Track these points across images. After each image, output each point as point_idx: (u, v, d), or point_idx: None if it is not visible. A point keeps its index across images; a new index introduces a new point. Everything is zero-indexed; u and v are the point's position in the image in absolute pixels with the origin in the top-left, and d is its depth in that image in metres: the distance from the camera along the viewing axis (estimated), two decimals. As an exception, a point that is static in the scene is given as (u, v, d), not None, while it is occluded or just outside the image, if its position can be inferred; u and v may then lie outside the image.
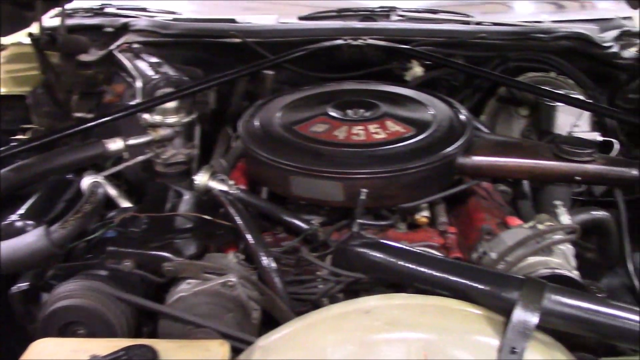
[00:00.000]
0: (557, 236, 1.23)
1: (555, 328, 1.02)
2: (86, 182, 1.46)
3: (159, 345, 1.04)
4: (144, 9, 2.33)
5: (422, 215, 1.54)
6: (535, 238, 1.22)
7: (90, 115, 1.97)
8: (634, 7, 2.23)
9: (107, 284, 1.17)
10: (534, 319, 0.96)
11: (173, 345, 1.06)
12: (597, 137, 1.86)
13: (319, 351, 0.98)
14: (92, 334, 1.16)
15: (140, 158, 1.77)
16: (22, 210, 1.43)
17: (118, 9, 2.33)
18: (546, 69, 2.12)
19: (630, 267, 1.48)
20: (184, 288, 1.23)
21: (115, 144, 1.67)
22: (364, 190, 1.39)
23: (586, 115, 1.89)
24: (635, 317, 0.98)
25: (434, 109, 1.68)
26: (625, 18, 2.52)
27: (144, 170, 1.84)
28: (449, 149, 1.48)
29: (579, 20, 2.50)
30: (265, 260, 1.33)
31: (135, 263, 1.25)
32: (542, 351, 0.99)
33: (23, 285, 1.25)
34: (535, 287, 1.00)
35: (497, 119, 2.15)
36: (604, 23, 2.45)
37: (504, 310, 0.99)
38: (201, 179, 1.50)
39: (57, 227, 1.25)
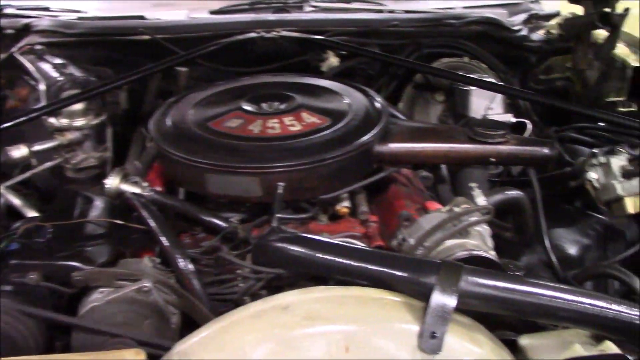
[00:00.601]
0: (473, 218, 1.23)
1: (474, 309, 1.02)
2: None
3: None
4: (46, 9, 2.22)
5: (343, 206, 1.52)
6: (451, 221, 1.22)
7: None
8: None
9: (10, 299, 1.10)
10: (452, 302, 0.96)
11: (85, 359, 1.01)
12: (510, 118, 1.90)
13: (237, 352, 0.94)
14: (-5, 354, 1.09)
15: (49, 164, 1.69)
16: None
17: (18, 9, 2.21)
18: (459, 54, 2.15)
19: (547, 243, 1.51)
20: (97, 297, 1.17)
21: (18, 151, 1.59)
22: (281, 184, 1.37)
23: (499, 97, 1.92)
24: (550, 293, 1.00)
25: (350, 98, 1.67)
26: (532, 1, 2.59)
27: (55, 176, 1.75)
28: (365, 138, 1.47)
29: (489, 6, 2.54)
30: (182, 263, 1.28)
31: (42, 275, 1.18)
32: (462, 333, 0.99)
33: None
34: (452, 270, 1.00)
35: (414, 105, 2.17)
36: (512, 7, 2.51)
37: (423, 295, 0.98)
38: (112, 182, 1.44)
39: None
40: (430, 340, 0.95)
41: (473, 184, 1.38)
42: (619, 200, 1.46)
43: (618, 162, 1.48)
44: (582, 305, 0.99)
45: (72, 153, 1.72)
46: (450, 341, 0.96)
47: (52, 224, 1.28)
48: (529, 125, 1.90)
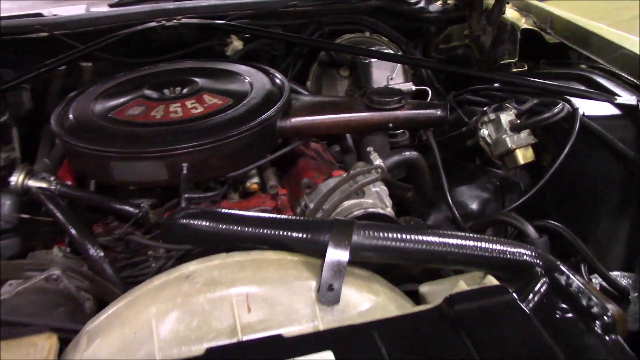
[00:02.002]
0: (367, 178, 1.30)
1: (369, 261, 1.08)
2: None
3: (-21, 351, 0.99)
4: None
5: (252, 182, 1.57)
6: (346, 182, 1.28)
7: None
8: None
9: None
10: (345, 255, 1.02)
11: (-5, 348, 1.02)
12: (411, 87, 1.98)
13: (144, 324, 0.97)
14: None
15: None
16: None
17: None
18: (360, 30, 2.21)
19: (448, 199, 1.60)
20: (6, 290, 1.18)
21: None
22: (185, 164, 1.40)
23: (399, 68, 2.00)
24: (437, 239, 1.07)
25: (251, 78, 1.71)
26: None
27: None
28: (266, 114, 1.51)
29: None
30: (91, 250, 1.30)
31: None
32: (359, 285, 1.06)
33: None
34: (344, 227, 1.06)
35: (321, 83, 2.23)
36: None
37: (319, 253, 1.04)
38: (17, 178, 1.43)
39: None
40: (328, 293, 1.00)
41: (370, 148, 1.45)
42: (510, 152, 1.56)
43: (507, 117, 1.57)
44: (467, 247, 1.06)
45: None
46: (347, 292, 1.02)
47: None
48: (429, 92, 1.98)
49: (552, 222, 1.35)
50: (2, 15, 2.13)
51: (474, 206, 1.70)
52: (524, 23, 2.07)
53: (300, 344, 0.89)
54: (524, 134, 1.56)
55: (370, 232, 1.06)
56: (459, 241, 1.07)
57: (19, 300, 1.17)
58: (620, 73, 1.70)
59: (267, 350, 0.87)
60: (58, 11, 2.10)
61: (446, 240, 1.07)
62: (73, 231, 1.32)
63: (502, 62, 2.06)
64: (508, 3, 2.11)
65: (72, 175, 1.64)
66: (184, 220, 1.21)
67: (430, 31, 2.37)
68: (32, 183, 1.44)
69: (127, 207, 1.46)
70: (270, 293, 1.01)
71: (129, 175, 1.45)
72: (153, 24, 1.99)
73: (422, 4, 2.38)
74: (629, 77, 1.66)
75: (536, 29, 2.04)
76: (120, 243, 1.41)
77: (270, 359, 0.85)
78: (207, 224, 1.17)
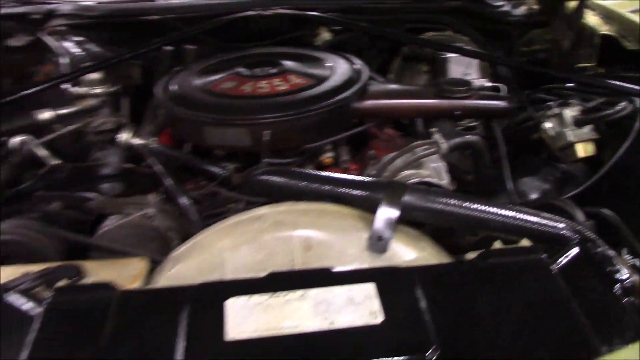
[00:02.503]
0: (424, 151, 1.43)
1: (418, 220, 1.22)
2: (14, 141, 1.60)
3: (84, 265, 1.20)
4: (68, -2, 2.45)
5: (326, 157, 1.73)
6: (405, 154, 1.42)
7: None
8: None
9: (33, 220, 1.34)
10: (396, 212, 1.16)
11: (97, 265, 1.23)
12: (485, 83, 2.08)
13: (219, 253, 1.16)
14: (25, 267, 1.32)
15: (71, 127, 1.92)
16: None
17: (41, -3, 2.45)
18: (442, 29, 2.33)
19: (509, 185, 1.70)
20: (109, 223, 1.40)
21: (45, 114, 1.81)
22: (267, 132, 1.58)
23: (476, 65, 2.11)
24: (481, 207, 1.19)
25: (333, 63, 1.87)
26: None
27: (75, 140, 1.98)
28: (342, 95, 1.67)
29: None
30: (182, 198, 1.50)
31: (63, 204, 1.41)
32: (407, 240, 1.20)
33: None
34: (398, 187, 1.20)
35: (402, 76, 2.35)
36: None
37: (374, 209, 1.18)
38: (124, 136, 1.66)
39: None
40: (378, 242, 1.15)
41: (434, 129, 1.58)
42: (571, 146, 1.64)
43: (570, 112, 1.65)
44: (508, 216, 1.19)
45: (91, 118, 1.95)
46: (395, 244, 1.16)
47: (72, 166, 1.51)
48: (504, 88, 2.08)
49: (603, 210, 1.43)
50: (119, 4, 2.40)
51: (533, 196, 1.78)
52: (604, 29, 2.13)
53: (346, 276, 1.04)
54: (586, 129, 1.64)
55: (421, 195, 1.20)
56: (500, 210, 1.19)
57: (119, 232, 1.39)
58: None
59: (317, 278, 1.03)
60: (168, -1, 2.34)
61: (489, 208, 1.19)
62: (168, 181, 1.53)
63: (579, 66, 2.13)
64: (588, 8, 2.17)
65: (171, 141, 1.85)
66: (262, 177, 1.39)
67: (512, 34, 2.45)
68: (136, 140, 1.66)
69: (214, 169, 1.66)
70: (327, 237, 1.16)
71: (218, 139, 1.65)
72: (252, 12, 2.19)
73: (506, 8, 2.46)
74: None
75: (615, 35, 2.09)
76: (207, 197, 1.61)
77: (319, 285, 1.00)
78: (280, 179, 1.34)
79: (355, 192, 1.23)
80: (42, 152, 1.68)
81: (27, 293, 1.02)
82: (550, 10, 2.23)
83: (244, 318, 0.94)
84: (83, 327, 0.96)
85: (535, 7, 2.46)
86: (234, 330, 0.93)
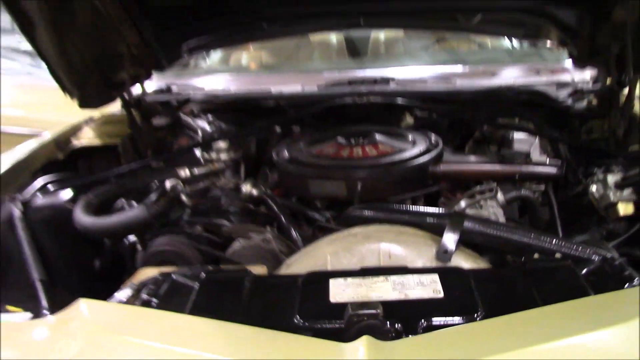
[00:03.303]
0: (483, 195, 1.80)
1: (477, 242, 1.58)
2: (169, 182, 2.08)
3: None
4: (201, 88, 3.04)
5: (407, 210, 2.12)
6: (469, 197, 1.80)
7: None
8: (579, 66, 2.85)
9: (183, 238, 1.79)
10: (458, 233, 1.53)
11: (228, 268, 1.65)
12: (543, 157, 2.44)
13: (322, 257, 1.55)
14: (178, 270, 1.75)
15: (203, 184, 2.40)
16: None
17: (180, 87, 3.04)
18: (512, 116, 2.72)
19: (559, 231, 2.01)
20: (237, 244, 1.82)
21: (184, 172, 2.31)
22: (359, 184, 1.99)
23: (537, 145, 2.48)
24: (524, 234, 1.54)
25: (415, 138, 2.29)
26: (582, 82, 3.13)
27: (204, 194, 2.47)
28: (420, 160, 2.08)
29: (547, 84, 3.10)
30: (293, 231, 1.92)
31: (203, 228, 1.86)
32: (466, 256, 1.55)
33: (132, 240, 1.87)
34: (458, 217, 1.58)
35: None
36: (563, 86, 3.06)
37: (441, 233, 1.55)
38: (245, 187, 2.12)
39: (153, 205, 1.87)
40: (443, 255, 1.51)
41: (493, 184, 1.95)
42: (613, 205, 1.96)
43: (613, 177, 1.98)
44: (545, 241, 1.53)
45: (217, 178, 2.44)
46: (457, 258, 1.52)
47: (209, 204, 1.97)
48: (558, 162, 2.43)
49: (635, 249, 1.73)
50: (242, 90, 2.96)
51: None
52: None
53: (416, 270, 1.40)
54: (627, 191, 1.96)
55: (477, 222, 1.57)
56: (540, 237, 1.54)
57: (244, 251, 1.80)
58: None
59: (396, 270, 1.40)
60: (282, 88, 2.87)
61: (530, 235, 1.54)
62: (283, 218, 1.96)
63: (633, 149, 2.45)
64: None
65: (281, 194, 2.30)
66: (357, 211, 1.79)
67: (574, 124, 2.81)
68: (255, 191, 2.12)
69: (316, 214, 2.08)
70: (403, 249, 1.54)
71: (320, 191, 2.07)
72: (349, 100, 2.66)
73: (568, 103, 2.84)
74: None
75: (661, 120, 2.42)
76: (311, 232, 2.02)
77: (397, 274, 1.37)
78: (370, 212, 1.74)
79: (427, 219, 1.62)
80: (184, 195, 2.16)
81: (188, 276, 1.44)
82: (606, 104, 2.59)
83: (343, 290, 1.32)
84: (227, 293, 1.36)
85: (594, 101, 2.83)
86: (335, 297, 1.30)
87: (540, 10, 2.64)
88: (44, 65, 2.01)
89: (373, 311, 1.17)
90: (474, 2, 2.67)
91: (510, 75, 3.08)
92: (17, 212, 1.84)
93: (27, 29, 1.91)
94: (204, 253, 1.79)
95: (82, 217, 1.82)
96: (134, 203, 1.94)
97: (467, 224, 1.55)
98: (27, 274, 1.63)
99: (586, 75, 3.01)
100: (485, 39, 4.03)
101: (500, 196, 1.91)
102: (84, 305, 1.26)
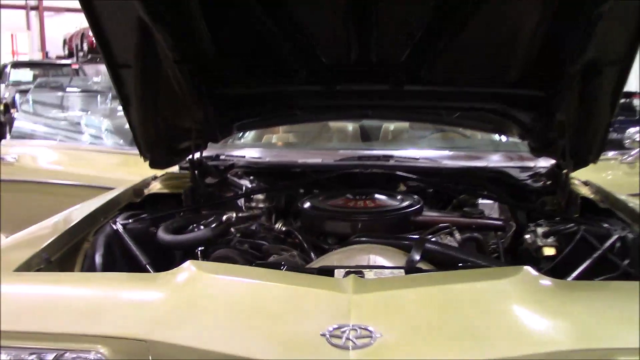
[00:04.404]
0: (443, 231, 2.61)
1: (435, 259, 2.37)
2: (227, 215, 2.89)
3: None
4: (243, 156, 3.93)
5: (394, 248, 2.92)
6: (432, 233, 2.61)
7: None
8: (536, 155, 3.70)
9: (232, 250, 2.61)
10: (420, 251, 2.32)
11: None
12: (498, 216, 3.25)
13: (330, 262, 2.35)
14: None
15: (243, 226, 3.21)
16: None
17: (227, 156, 3.93)
18: (481, 189, 3.55)
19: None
20: (271, 258, 2.62)
21: (229, 215, 3.13)
22: (358, 225, 2.81)
23: (496, 208, 3.29)
24: (465, 254, 2.34)
25: (403, 198, 3.12)
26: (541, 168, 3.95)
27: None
28: (403, 211, 2.90)
29: (514, 167, 3.94)
30: (312, 253, 2.71)
31: (249, 245, 2.67)
32: (424, 265, 2.34)
33: (202, 249, 2.68)
34: (422, 240, 2.38)
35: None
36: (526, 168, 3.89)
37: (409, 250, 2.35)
38: (278, 224, 2.95)
39: (215, 228, 2.68)
40: (411, 262, 2.30)
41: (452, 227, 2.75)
42: (540, 248, 2.74)
43: (540, 229, 2.78)
44: (478, 258, 2.33)
45: (255, 222, 3.26)
46: (418, 265, 2.32)
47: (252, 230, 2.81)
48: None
49: None
50: (275, 160, 3.84)
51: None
52: (584, 192, 3.27)
53: (391, 267, 2.20)
54: (550, 239, 2.75)
55: (432, 244, 2.37)
56: (472, 255, 2.34)
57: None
58: None
59: (377, 267, 2.19)
60: (306, 160, 3.76)
61: (466, 254, 2.34)
62: (304, 243, 2.76)
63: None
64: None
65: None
66: (356, 239, 2.60)
67: (531, 199, 3.63)
68: (284, 227, 2.94)
69: (324, 245, 2.88)
70: (385, 258, 2.33)
71: (332, 229, 2.89)
72: (356, 170, 3.52)
73: (528, 182, 3.66)
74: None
75: (590, 196, 3.22)
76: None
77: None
78: (363, 239, 2.56)
79: (402, 242, 2.42)
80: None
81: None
82: (555, 186, 3.41)
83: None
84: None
85: (548, 182, 3.65)
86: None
87: (504, 112, 3.53)
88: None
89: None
90: (454, 102, 3.57)
91: (488, 160, 3.96)
92: (121, 227, 2.67)
93: (125, 105, 2.82)
94: (249, 262, 2.59)
95: (164, 236, 2.65)
96: (201, 227, 2.77)
97: (427, 245, 2.36)
98: (136, 262, 2.45)
99: (549, 162, 3.85)
100: (476, 133, 4.97)
101: (457, 235, 2.71)
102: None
